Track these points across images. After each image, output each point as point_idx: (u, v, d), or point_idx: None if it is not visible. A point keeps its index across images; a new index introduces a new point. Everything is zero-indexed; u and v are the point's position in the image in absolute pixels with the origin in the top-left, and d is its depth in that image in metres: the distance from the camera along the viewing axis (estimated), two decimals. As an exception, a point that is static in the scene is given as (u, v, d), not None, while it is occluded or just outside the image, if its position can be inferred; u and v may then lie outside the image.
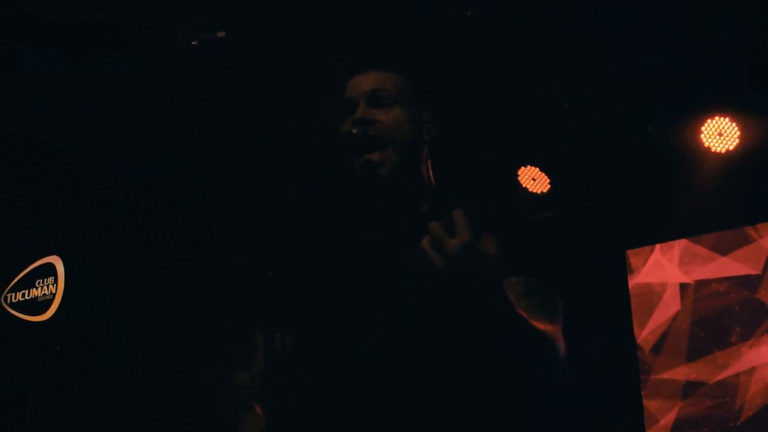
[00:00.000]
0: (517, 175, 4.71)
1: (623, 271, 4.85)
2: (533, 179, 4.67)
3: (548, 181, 4.66)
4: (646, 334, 4.81)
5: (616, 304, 4.78)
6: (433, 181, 1.90)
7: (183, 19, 4.22)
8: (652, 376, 4.75)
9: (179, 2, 4.14)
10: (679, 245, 4.77)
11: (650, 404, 4.71)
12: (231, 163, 4.92)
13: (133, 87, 4.39)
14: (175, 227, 4.10)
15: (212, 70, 4.54)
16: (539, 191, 4.68)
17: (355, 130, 1.80)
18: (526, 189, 4.66)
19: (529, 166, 4.70)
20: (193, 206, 4.29)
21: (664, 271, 4.79)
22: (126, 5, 4.01)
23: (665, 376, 4.72)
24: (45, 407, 3.84)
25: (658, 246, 4.83)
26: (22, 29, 3.97)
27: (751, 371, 4.46)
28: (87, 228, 3.86)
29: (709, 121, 4.28)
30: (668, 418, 4.68)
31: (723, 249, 4.62)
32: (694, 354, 4.67)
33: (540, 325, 1.83)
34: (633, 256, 4.85)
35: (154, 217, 4.02)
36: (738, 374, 4.52)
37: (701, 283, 4.68)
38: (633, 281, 4.85)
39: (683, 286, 4.71)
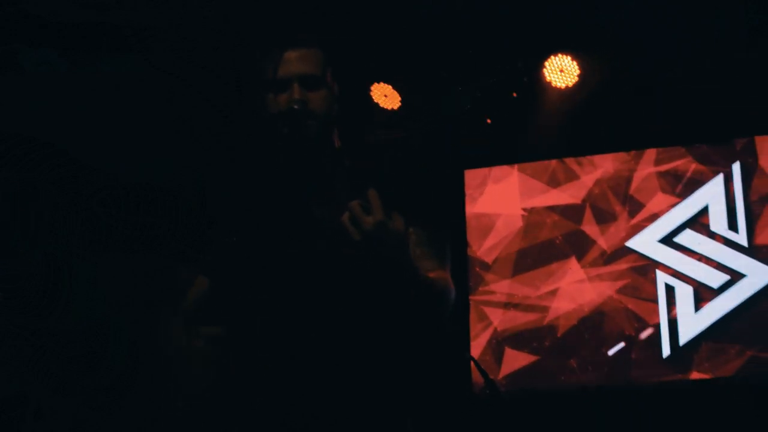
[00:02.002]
0: (370, 91, 4.84)
1: (461, 190, 5.29)
2: (385, 96, 4.85)
3: (399, 99, 4.86)
4: (480, 252, 5.25)
5: (453, 224, 5.18)
6: (337, 146, 2.23)
7: (183, 19, 4.22)
8: (481, 288, 5.20)
9: (179, 2, 4.14)
10: (515, 177, 5.21)
11: (475, 313, 5.21)
12: (231, 163, 4.92)
13: (133, 87, 4.39)
14: (175, 227, 4.10)
15: (212, 70, 4.55)
16: (390, 108, 4.85)
17: (296, 107, 2.09)
18: (377, 105, 4.85)
19: (382, 83, 4.83)
20: (193, 206, 4.29)
21: (499, 200, 5.26)
22: (126, 5, 4.02)
23: (493, 288, 5.19)
24: (45, 407, 3.84)
25: (494, 175, 5.25)
26: (22, 29, 3.97)
27: (565, 290, 5.02)
28: (87, 228, 3.86)
29: (552, 58, 4.61)
30: (491, 328, 5.17)
31: (554, 183, 5.13)
32: (518, 273, 5.17)
33: (432, 273, 2.10)
34: (472, 186, 5.27)
35: (154, 217, 4.02)
36: (552, 291, 5.07)
37: (531, 212, 5.16)
38: (472, 210, 5.29)
39: (515, 215, 5.21)
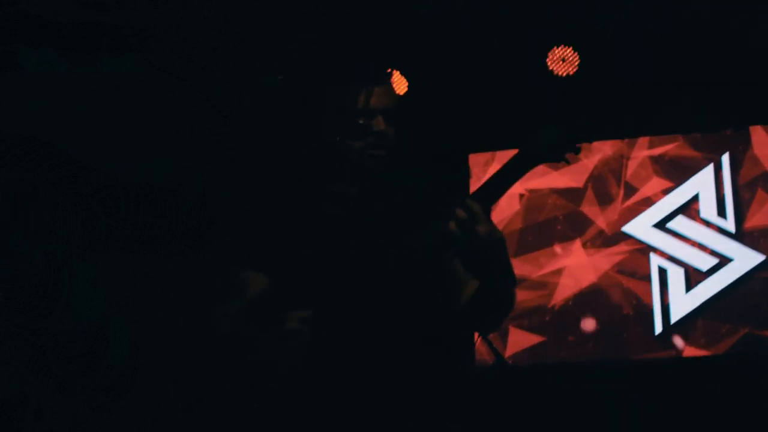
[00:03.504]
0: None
1: (466, 172, 5.46)
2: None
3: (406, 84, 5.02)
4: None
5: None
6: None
7: (183, 19, 4.22)
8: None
9: (179, 2, 4.14)
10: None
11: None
12: (231, 162, 4.92)
13: (133, 87, 4.39)
14: (175, 227, 4.10)
15: (212, 70, 4.55)
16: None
17: (376, 141, 2.27)
18: None
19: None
20: (193, 206, 4.30)
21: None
22: (126, 5, 4.02)
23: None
24: (45, 407, 3.84)
25: (498, 159, 5.39)
26: (22, 29, 3.97)
27: (564, 270, 5.25)
28: (87, 228, 3.86)
29: (555, 48, 4.94)
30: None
31: (553, 165, 5.16)
32: (521, 252, 5.35)
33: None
34: (475, 164, 5.45)
35: (154, 217, 4.03)
36: (553, 272, 5.32)
37: (533, 192, 5.35)
38: (474, 185, 5.38)
39: (516, 195, 5.40)
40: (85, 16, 4.02)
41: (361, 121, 2.27)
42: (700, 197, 5.19)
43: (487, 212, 2.17)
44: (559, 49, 4.95)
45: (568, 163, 2.25)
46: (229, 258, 2.46)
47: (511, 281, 2.22)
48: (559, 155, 2.21)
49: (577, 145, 2.21)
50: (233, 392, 2.45)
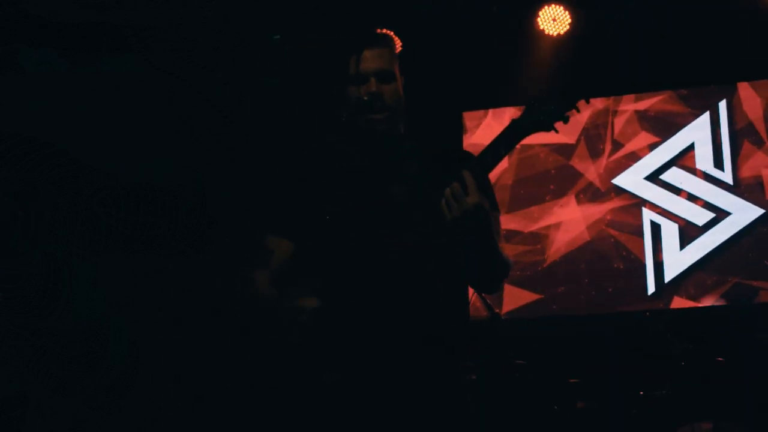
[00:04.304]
0: None
1: (459, 129, 5.51)
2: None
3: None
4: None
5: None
6: (403, 131, 2.52)
7: (183, 19, 4.22)
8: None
9: (179, 2, 4.14)
10: (509, 113, 5.42)
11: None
12: (231, 162, 4.92)
13: (133, 87, 4.39)
14: (175, 227, 4.10)
15: (212, 70, 4.55)
16: None
17: (366, 98, 2.38)
18: None
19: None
20: (193, 206, 4.29)
21: (494, 133, 5.40)
22: (126, 5, 4.02)
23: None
24: (45, 407, 3.84)
25: (491, 111, 5.52)
26: (22, 29, 3.96)
27: (559, 225, 5.21)
28: (87, 228, 3.86)
29: (545, 7, 5.01)
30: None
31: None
32: (514, 207, 5.34)
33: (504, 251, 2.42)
34: (468, 118, 5.49)
35: (154, 217, 4.03)
36: (548, 227, 5.30)
37: (525, 147, 5.36)
38: (467, 140, 5.48)
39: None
40: (85, 16, 4.02)
41: (354, 89, 2.39)
42: (696, 148, 5.10)
43: (485, 180, 2.30)
44: (550, 7, 4.97)
45: (556, 131, 2.32)
46: (256, 225, 2.59)
47: (495, 252, 2.31)
48: (549, 124, 2.29)
49: (566, 114, 2.28)
50: (233, 392, 2.47)
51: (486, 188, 2.31)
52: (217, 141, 4.79)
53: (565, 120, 2.28)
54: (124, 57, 4.26)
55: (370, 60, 2.41)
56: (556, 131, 2.31)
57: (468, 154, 2.52)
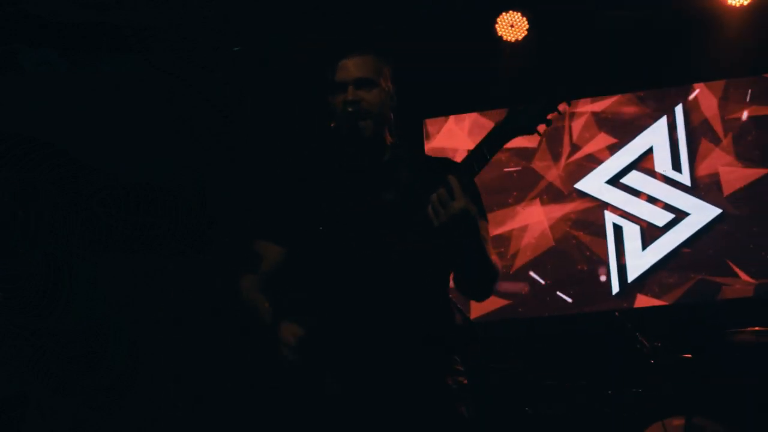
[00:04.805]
0: None
1: (421, 135, 5.59)
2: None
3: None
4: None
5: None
6: (390, 140, 2.55)
7: (183, 19, 4.23)
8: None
9: (179, 2, 4.15)
10: (470, 118, 5.53)
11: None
12: (231, 162, 4.92)
13: (133, 87, 4.39)
14: (175, 227, 4.11)
15: (212, 70, 4.55)
16: None
17: (350, 108, 2.42)
18: None
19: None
20: (193, 206, 4.30)
21: (455, 138, 5.54)
22: (126, 5, 4.02)
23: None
24: (45, 407, 3.84)
25: (452, 117, 5.56)
26: (22, 29, 3.97)
27: (524, 228, 5.33)
28: (87, 228, 3.86)
29: (503, 14, 5.11)
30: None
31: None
32: None
33: (493, 256, 2.44)
34: (430, 124, 5.56)
35: (154, 217, 4.03)
36: (512, 230, 5.39)
37: None
38: (429, 145, 5.56)
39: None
40: (85, 16, 4.02)
41: (334, 98, 2.44)
42: (654, 151, 5.23)
43: (471, 186, 2.34)
44: (508, 14, 5.08)
45: (540, 135, 2.34)
46: (247, 231, 2.62)
47: (485, 257, 2.35)
48: (532, 128, 2.32)
49: (548, 117, 2.31)
50: (233, 392, 2.47)
51: (473, 194, 2.35)
52: (217, 141, 4.79)
53: (548, 123, 2.31)
54: (124, 57, 4.26)
55: (348, 69, 2.46)
56: (540, 134, 2.33)
57: (452, 161, 2.55)
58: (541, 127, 2.31)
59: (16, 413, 3.74)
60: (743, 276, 5.01)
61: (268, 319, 2.40)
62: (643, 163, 5.27)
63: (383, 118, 2.49)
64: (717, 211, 5.10)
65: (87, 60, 4.18)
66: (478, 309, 5.29)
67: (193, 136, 4.62)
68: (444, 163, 2.52)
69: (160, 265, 4.31)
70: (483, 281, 2.41)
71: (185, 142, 4.59)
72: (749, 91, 5.17)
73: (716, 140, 5.21)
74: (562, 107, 2.31)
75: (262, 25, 4.43)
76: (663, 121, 5.26)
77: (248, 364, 4.66)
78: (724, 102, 5.19)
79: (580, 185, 5.35)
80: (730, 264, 5.02)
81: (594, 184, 5.33)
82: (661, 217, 5.20)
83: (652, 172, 5.27)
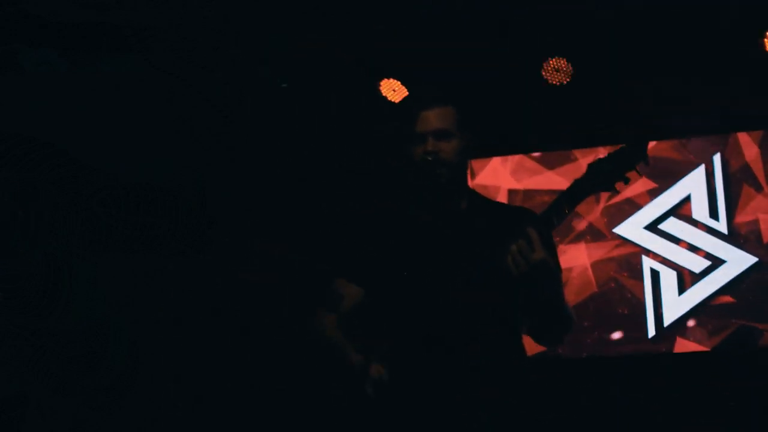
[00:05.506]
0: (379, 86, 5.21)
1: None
2: (393, 90, 5.22)
3: (406, 92, 5.20)
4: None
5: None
6: (469, 184, 2.67)
7: (183, 19, 4.23)
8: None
9: (179, 2, 4.15)
10: (515, 158, 5.61)
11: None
12: (231, 162, 4.92)
13: (133, 87, 4.39)
14: (175, 227, 4.11)
15: (212, 70, 4.55)
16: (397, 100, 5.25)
17: (430, 158, 2.54)
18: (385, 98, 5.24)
19: (391, 79, 5.18)
20: (193, 206, 4.30)
21: (499, 176, 5.63)
22: (126, 5, 4.02)
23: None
24: (45, 407, 3.85)
25: (496, 160, 5.69)
26: (22, 29, 3.97)
27: (568, 270, 5.38)
28: (87, 228, 3.86)
29: (550, 60, 5.13)
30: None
31: (549, 165, 5.51)
32: None
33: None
34: (475, 162, 5.64)
35: (154, 217, 4.03)
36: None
37: (530, 192, 5.53)
38: (473, 182, 5.53)
39: (513, 192, 5.55)
40: (85, 16, 4.02)
41: (414, 148, 2.56)
42: (692, 199, 5.29)
43: (549, 239, 2.41)
44: (554, 60, 5.13)
45: (617, 192, 2.42)
46: (329, 268, 2.71)
47: (561, 307, 2.44)
48: (611, 185, 2.39)
49: (626, 175, 2.35)
50: (233, 392, 2.48)
51: (550, 247, 2.41)
52: (217, 141, 4.79)
53: (626, 180, 2.37)
54: (124, 57, 4.26)
55: (428, 120, 2.57)
56: (617, 191, 2.40)
57: (530, 211, 2.62)
58: (620, 185, 2.38)
59: (16, 413, 3.74)
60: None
61: (355, 358, 2.47)
62: (682, 210, 5.33)
63: (461, 168, 2.59)
64: (753, 259, 5.13)
65: (87, 60, 4.19)
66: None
67: (193, 136, 4.62)
68: (521, 213, 2.60)
69: (160, 265, 4.31)
70: (557, 330, 2.50)
71: (185, 142, 4.59)
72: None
73: (758, 187, 5.23)
74: (639, 166, 2.38)
75: (262, 25, 4.43)
76: (701, 169, 5.30)
77: (248, 364, 4.66)
78: (764, 150, 5.23)
79: (618, 230, 5.39)
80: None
81: (633, 229, 5.38)
82: (697, 264, 5.24)
83: (690, 219, 5.32)
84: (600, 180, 2.37)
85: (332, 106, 5.04)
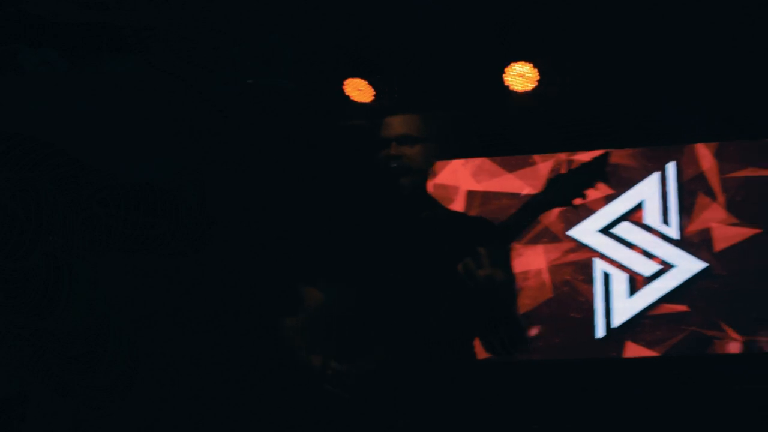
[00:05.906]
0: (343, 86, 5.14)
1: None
2: (359, 89, 5.15)
3: (373, 93, 5.12)
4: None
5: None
6: (431, 191, 2.71)
7: (183, 19, 4.23)
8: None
9: (179, 2, 4.15)
10: (475, 161, 5.74)
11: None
12: (231, 162, 4.93)
13: (133, 87, 4.39)
14: (175, 227, 4.10)
15: (212, 70, 4.55)
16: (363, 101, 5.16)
17: (394, 164, 2.58)
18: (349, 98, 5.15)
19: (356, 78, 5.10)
20: (193, 206, 4.29)
21: (459, 177, 5.72)
22: (126, 5, 4.02)
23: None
24: (45, 407, 3.85)
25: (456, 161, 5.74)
26: (22, 29, 3.97)
27: (524, 274, 5.43)
28: (87, 228, 3.86)
29: (512, 64, 5.07)
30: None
31: (509, 168, 5.64)
32: None
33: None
34: (438, 170, 5.70)
35: (154, 217, 4.03)
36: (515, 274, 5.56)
37: (489, 196, 5.62)
38: (432, 182, 5.47)
39: (472, 193, 5.63)
40: (85, 16, 4.03)
41: (381, 154, 2.60)
42: (645, 205, 5.43)
43: (503, 252, 2.47)
44: (518, 64, 5.06)
45: (575, 207, 2.50)
46: (292, 272, 2.76)
47: (512, 324, 2.50)
48: (568, 201, 2.46)
49: (584, 192, 2.43)
50: (233, 392, 2.50)
51: (502, 263, 2.46)
52: (217, 141, 4.79)
53: (584, 197, 2.42)
54: (124, 57, 4.27)
55: (390, 126, 2.62)
56: (575, 207, 2.47)
57: (489, 222, 2.66)
58: (577, 201, 2.43)
59: (16, 413, 3.74)
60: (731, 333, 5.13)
61: (316, 360, 2.54)
62: (634, 215, 5.47)
63: (424, 174, 2.64)
64: (704, 264, 5.25)
65: (87, 60, 4.19)
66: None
67: (193, 136, 4.63)
68: (479, 223, 2.66)
69: (160, 265, 4.32)
70: (507, 345, 2.54)
71: (185, 142, 4.59)
72: (745, 152, 5.33)
73: (712, 196, 5.34)
74: (598, 184, 2.43)
75: (262, 25, 4.43)
76: (656, 176, 5.43)
77: (248, 364, 4.66)
78: (720, 161, 5.35)
79: (572, 232, 5.52)
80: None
81: (586, 231, 5.50)
82: (649, 268, 5.36)
83: (641, 224, 5.46)
84: (559, 196, 2.42)
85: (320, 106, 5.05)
